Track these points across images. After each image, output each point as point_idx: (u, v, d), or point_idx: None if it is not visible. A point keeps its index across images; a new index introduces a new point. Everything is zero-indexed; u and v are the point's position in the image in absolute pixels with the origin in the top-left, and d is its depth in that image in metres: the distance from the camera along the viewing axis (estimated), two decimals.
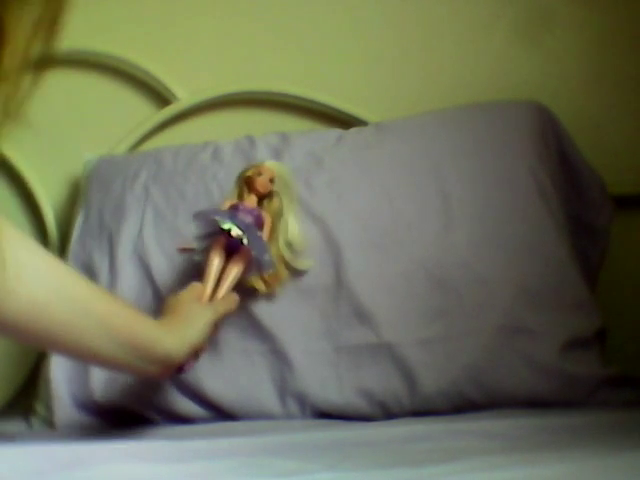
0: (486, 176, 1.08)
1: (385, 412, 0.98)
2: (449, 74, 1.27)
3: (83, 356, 0.80)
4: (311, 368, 1.01)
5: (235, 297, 0.97)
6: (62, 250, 1.26)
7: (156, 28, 1.34)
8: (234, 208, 1.00)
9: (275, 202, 1.04)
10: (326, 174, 1.11)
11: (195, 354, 0.90)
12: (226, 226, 0.95)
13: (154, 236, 1.12)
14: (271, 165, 1.06)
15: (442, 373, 0.97)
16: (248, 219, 0.98)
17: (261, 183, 1.03)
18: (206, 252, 0.99)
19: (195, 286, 0.95)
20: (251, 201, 1.02)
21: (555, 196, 1.08)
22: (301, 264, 1.04)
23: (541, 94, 1.18)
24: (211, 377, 1.02)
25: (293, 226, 1.04)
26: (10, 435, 1.00)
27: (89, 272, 1.13)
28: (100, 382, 1.04)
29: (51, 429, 1.05)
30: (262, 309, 1.04)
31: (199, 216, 1.00)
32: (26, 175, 1.36)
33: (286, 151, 1.16)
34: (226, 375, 1.02)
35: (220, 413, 1.02)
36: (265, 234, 1.00)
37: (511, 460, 0.63)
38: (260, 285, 1.02)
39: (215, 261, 0.97)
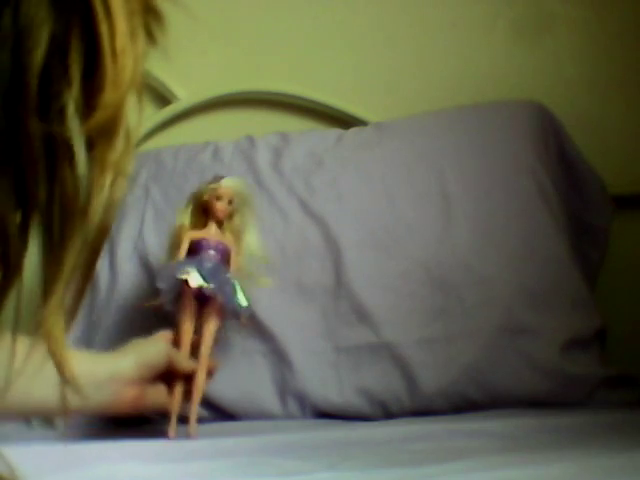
0: (486, 176, 1.08)
1: (385, 412, 0.98)
2: (449, 74, 1.27)
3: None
4: (311, 368, 1.01)
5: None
6: None
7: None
8: (198, 245, 0.94)
9: (236, 221, 0.98)
10: (326, 174, 1.12)
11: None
12: (192, 282, 0.90)
13: (154, 235, 1.12)
14: (229, 185, 0.97)
15: (442, 373, 0.97)
16: (214, 258, 0.93)
17: (221, 209, 0.96)
18: (176, 303, 0.93)
19: (164, 334, 0.91)
20: (211, 229, 0.96)
21: (555, 196, 1.08)
22: (260, 283, 0.99)
23: (541, 94, 1.18)
24: (218, 375, 1.02)
25: (254, 243, 0.98)
26: (10, 435, 1.00)
27: None
28: None
29: (51, 429, 1.05)
30: (262, 309, 1.04)
31: (162, 273, 0.94)
32: None
33: (286, 151, 1.16)
34: (226, 375, 1.02)
35: (220, 413, 1.02)
36: (233, 266, 0.95)
37: (511, 460, 0.63)
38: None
39: (190, 308, 0.92)
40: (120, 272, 1.11)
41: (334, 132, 1.19)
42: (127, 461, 0.69)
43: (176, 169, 1.18)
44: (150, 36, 0.33)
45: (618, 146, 1.21)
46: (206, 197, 0.97)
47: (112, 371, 0.83)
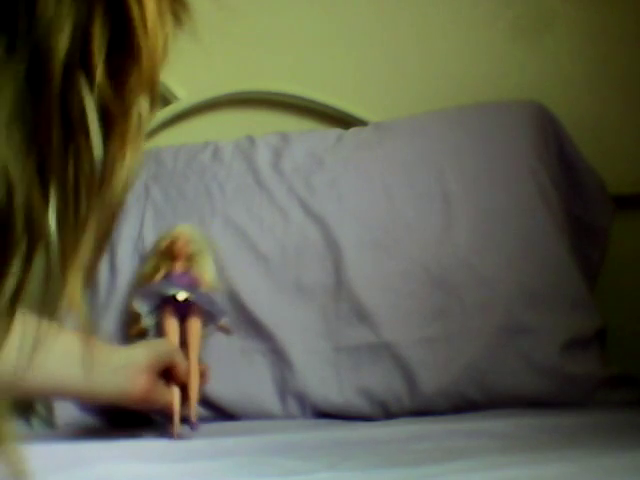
0: (486, 176, 1.08)
1: (385, 412, 0.98)
2: (449, 74, 1.27)
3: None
4: (311, 368, 1.01)
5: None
6: None
7: None
8: (167, 277, 1.01)
9: (196, 261, 1.04)
10: (326, 174, 1.12)
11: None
12: (172, 292, 0.97)
13: (154, 235, 1.12)
14: (182, 230, 1.06)
15: (442, 373, 0.97)
16: (184, 282, 1.00)
17: (182, 248, 1.03)
18: (158, 325, 0.99)
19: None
20: (176, 267, 1.03)
21: (555, 196, 1.08)
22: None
23: (541, 94, 1.18)
24: (211, 377, 1.02)
25: (211, 278, 1.04)
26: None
27: None
28: None
29: (51, 429, 1.05)
30: (262, 309, 1.04)
31: (142, 293, 1.01)
32: None
33: (286, 151, 1.16)
34: (226, 375, 1.02)
35: (220, 413, 1.02)
36: (205, 288, 1.02)
37: (511, 460, 0.63)
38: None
39: (173, 325, 0.97)
40: (120, 272, 1.11)
41: (334, 132, 1.19)
42: (127, 461, 0.69)
43: (176, 169, 1.18)
44: (177, 20, 0.35)
45: (618, 146, 1.21)
46: (166, 242, 1.05)
47: (126, 358, 0.89)
